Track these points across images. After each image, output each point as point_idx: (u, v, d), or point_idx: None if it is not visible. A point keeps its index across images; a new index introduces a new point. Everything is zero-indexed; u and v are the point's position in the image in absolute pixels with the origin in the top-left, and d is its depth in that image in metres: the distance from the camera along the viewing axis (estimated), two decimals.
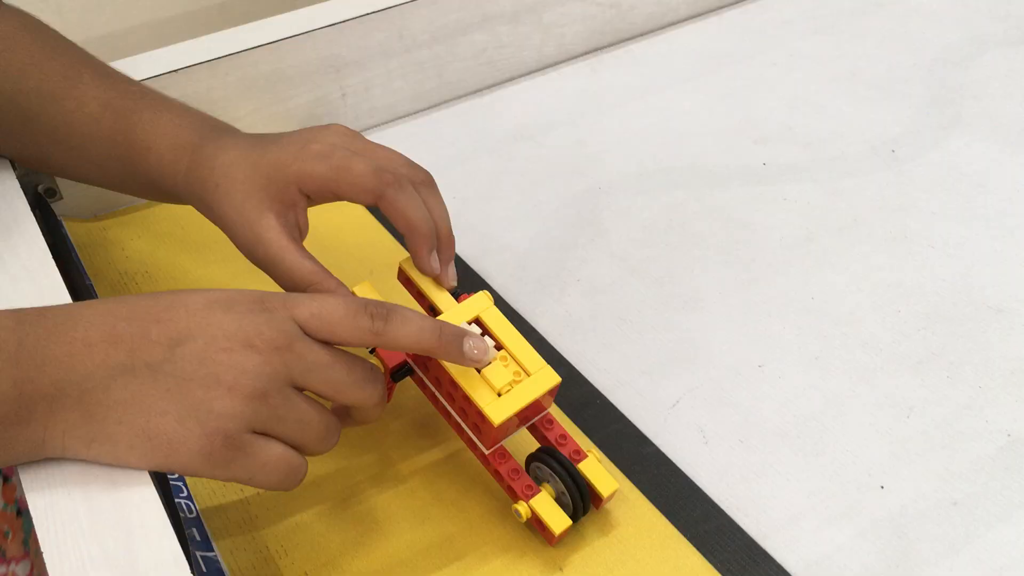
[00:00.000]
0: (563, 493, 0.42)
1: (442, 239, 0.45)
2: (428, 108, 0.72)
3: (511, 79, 0.75)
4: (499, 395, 0.41)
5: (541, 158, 0.68)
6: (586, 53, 0.77)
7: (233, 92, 0.63)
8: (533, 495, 0.42)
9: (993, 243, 0.58)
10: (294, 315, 0.37)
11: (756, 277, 0.57)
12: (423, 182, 0.46)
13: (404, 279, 0.46)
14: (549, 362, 0.52)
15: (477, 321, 0.43)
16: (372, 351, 0.44)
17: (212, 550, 0.43)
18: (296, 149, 0.45)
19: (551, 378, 0.42)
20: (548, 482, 0.43)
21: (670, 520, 0.44)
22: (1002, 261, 0.57)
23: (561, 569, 0.42)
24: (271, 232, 0.44)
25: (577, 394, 0.50)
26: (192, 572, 0.32)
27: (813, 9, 0.82)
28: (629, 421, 0.49)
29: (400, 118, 0.71)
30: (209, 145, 0.47)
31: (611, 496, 0.43)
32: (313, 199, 0.45)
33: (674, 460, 0.47)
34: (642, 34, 0.79)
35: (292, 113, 0.66)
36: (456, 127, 0.71)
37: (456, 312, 0.43)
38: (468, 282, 0.58)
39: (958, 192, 0.63)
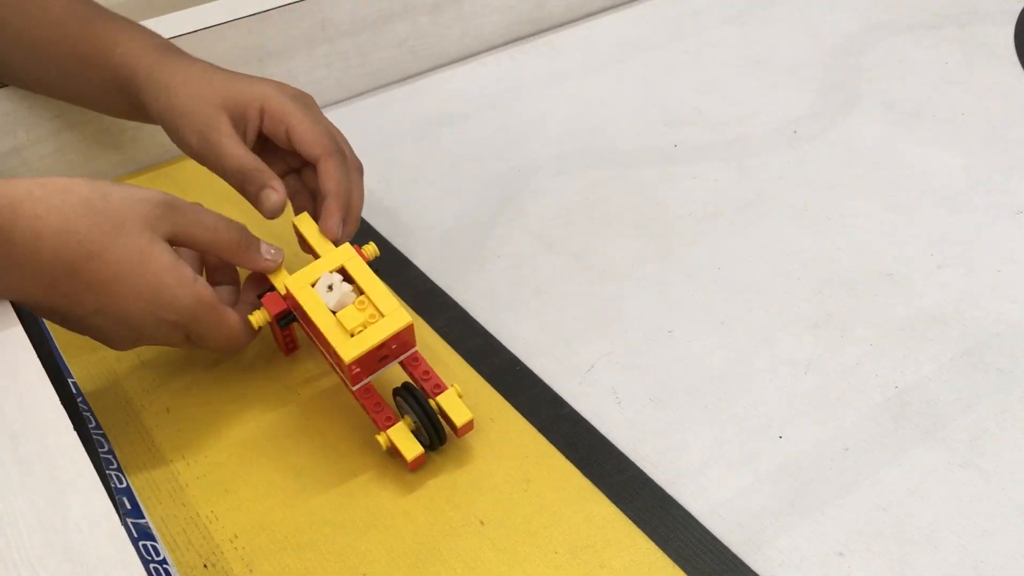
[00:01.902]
0: (419, 426, 0.46)
1: (352, 216, 0.51)
2: (352, 97, 0.74)
3: (433, 68, 0.77)
4: (352, 335, 0.45)
5: (463, 143, 0.70)
6: (506, 43, 0.80)
7: None
8: (391, 425, 0.46)
9: (885, 214, 0.62)
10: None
11: (667, 250, 0.60)
12: (356, 168, 0.53)
13: (298, 233, 0.51)
14: (469, 334, 0.55)
15: (341, 270, 0.48)
16: (259, 298, 0.49)
17: (143, 517, 0.44)
18: (272, 82, 0.52)
19: (401, 319, 0.46)
20: (408, 415, 0.47)
21: (584, 474, 0.46)
22: (893, 231, 0.61)
23: (483, 523, 0.44)
24: (224, 126, 0.50)
25: (497, 362, 0.52)
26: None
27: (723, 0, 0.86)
28: (546, 385, 0.51)
29: (324, 107, 0.72)
30: (178, 53, 0.53)
31: (467, 425, 0.46)
32: (265, 129, 0.51)
33: (588, 420, 0.49)
34: (560, 25, 0.82)
35: None
36: (380, 115, 0.73)
37: (318, 264, 0.48)
38: (391, 259, 0.60)
39: (854, 168, 0.67)
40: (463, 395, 0.47)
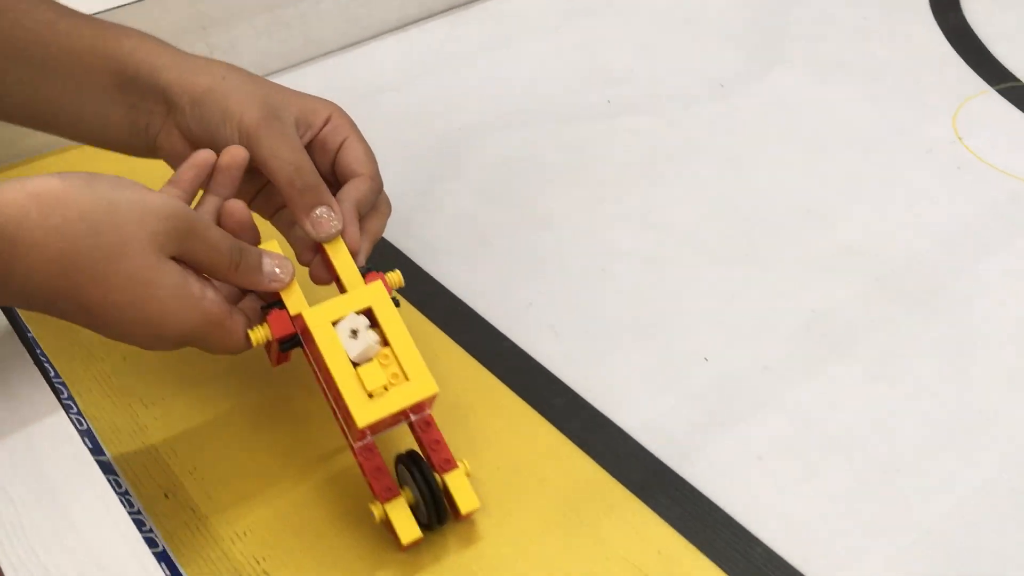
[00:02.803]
0: (418, 505, 0.42)
1: (368, 240, 0.47)
2: (295, 65, 0.76)
3: (375, 36, 0.79)
4: (370, 396, 0.40)
5: (405, 107, 0.72)
6: (445, 11, 0.82)
7: None
8: (390, 498, 0.41)
9: (805, 158, 0.66)
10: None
11: (602, 197, 0.63)
12: (386, 204, 0.48)
13: (319, 249, 0.45)
14: (416, 281, 0.57)
15: (368, 312, 0.42)
16: (266, 312, 0.43)
17: (104, 455, 0.46)
18: (307, 95, 0.48)
19: (428, 387, 0.41)
20: (409, 487, 0.42)
21: (524, 400, 0.50)
22: (812, 173, 0.65)
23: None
24: (290, 119, 0.45)
25: (443, 305, 0.55)
26: None
27: None
28: (488, 323, 0.54)
29: (268, 75, 0.74)
30: (195, 55, 0.47)
31: (471, 513, 0.42)
32: (321, 136, 0.47)
33: (528, 352, 0.52)
34: None
35: None
36: (323, 82, 0.75)
37: (344, 300, 0.43)
38: None
39: (778, 119, 0.70)
40: (471, 473, 0.43)
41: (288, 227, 0.48)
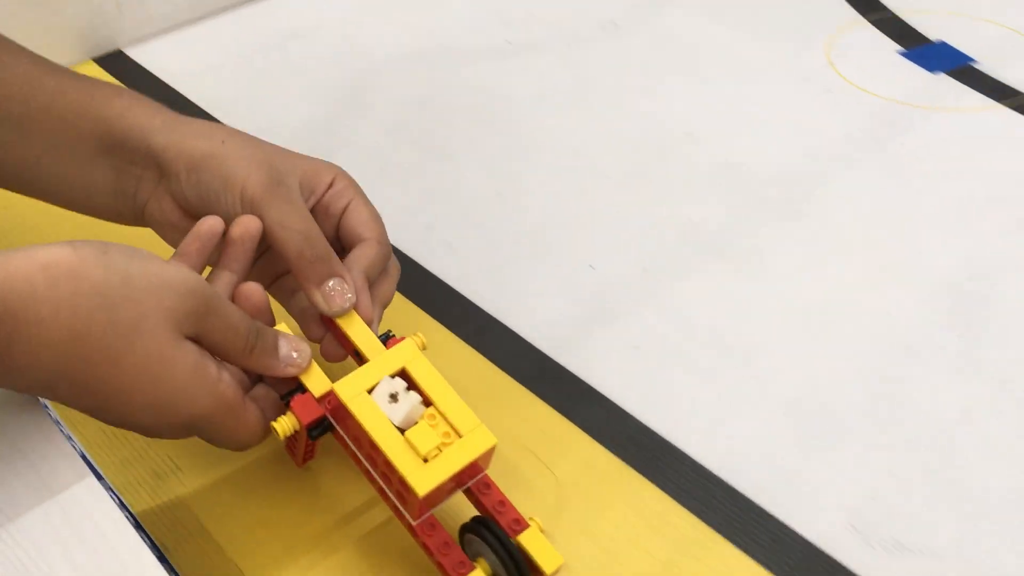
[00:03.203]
0: (500, 571, 0.38)
1: (383, 308, 0.45)
2: (204, 16, 0.78)
3: None
4: (425, 461, 0.37)
5: (313, 53, 0.75)
6: None
7: (5, 4, 0.67)
8: (466, 573, 0.38)
9: (691, 88, 0.71)
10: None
11: (499, 130, 0.67)
12: (396, 268, 0.46)
13: (329, 323, 0.42)
14: None
15: (403, 373, 0.39)
16: (287, 404, 0.40)
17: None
18: (310, 158, 0.45)
19: (486, 439, 0.38)
20: (484, 556, 0.39)
21: (423, 309, 0.54)
22: (697, 103, 0.70)
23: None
24: (295, 185, 0.42)
25: None
26: None
27: None
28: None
29: (178, 26, 0.77)
30: (191, 119, 0.43)
31: (556, 572, 0.39)
32: (325, 200, 0.44)
33: (428, 268, 0.56)
34: None
35: (70, 25, 0.71)
36: (232, 32, 0.77)
37: (375, 365, 0.39)
38: None
39: (669, 55, 0.75)
40: (545, 530, 0.40)
41: (288, 297, 0.45)
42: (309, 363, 0.40)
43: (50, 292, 0.33)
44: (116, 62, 0.73)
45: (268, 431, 0.39)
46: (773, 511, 0.44)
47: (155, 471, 0.45)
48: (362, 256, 0.43)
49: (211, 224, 0.40)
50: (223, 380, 0.37)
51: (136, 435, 0.44)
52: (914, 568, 0.42)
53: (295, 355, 0.39)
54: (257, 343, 0.38)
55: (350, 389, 0.38)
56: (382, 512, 0.43)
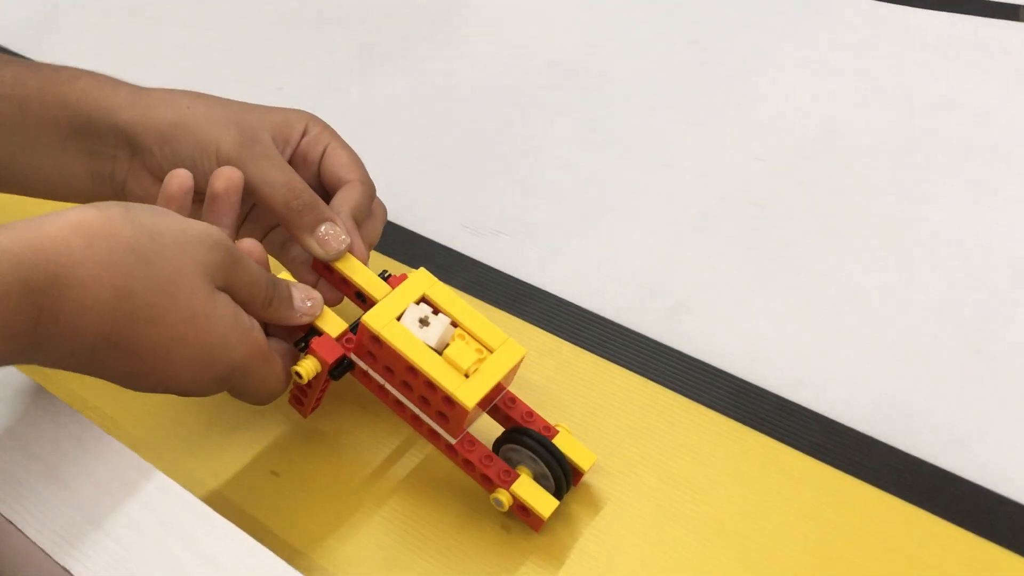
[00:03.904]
0: (543, 475, 0.40)
1: (371, 248, 0.46)
2: None
3: None
4: (466, 376, 0.39)
5: None
6: None
7: None
8: (513, 480, 0.40)
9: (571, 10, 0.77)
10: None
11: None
12: (382, 209, 0.47)
13: (322, 268, 0.44)
14: None
15: (424, 299, 0.41)
16: (303, 348, 0.41)
17: None
18: (278, 108, 0.44)
19: (516, 351, 0.40)
20: (524, 464, 0.41)
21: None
22: (574, 25, 0.76)
23: None
24: (267, 139, 0.42)
25: None
26: None
27: None
28: None
29: None
30: (153, 89, 0.43)
31: (590, 468, 0.41)
32: (301, 148, 0.44)
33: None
34: None
35: None
36: None
37: (397, 295, 0.40)
38: None
39: None
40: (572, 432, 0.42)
41: (279, 248, 0.46)
42: (322, 310, 0.41)
43: (88, 252, 0.33)
44: None
45: (287, 384, 0.41)
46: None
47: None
48: (348, 198, 0.43)
49: (180, 180, 0.40)
50: (255, 327, 0.38)
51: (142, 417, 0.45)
52: None
53: (309, 304, 0.40)
54: (275, 295, 0.39)
55: (380, 319, 0.39)
56: (409, 458, 0.44)
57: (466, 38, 0.75)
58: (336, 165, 0.44)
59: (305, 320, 0.40)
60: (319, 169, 0.45)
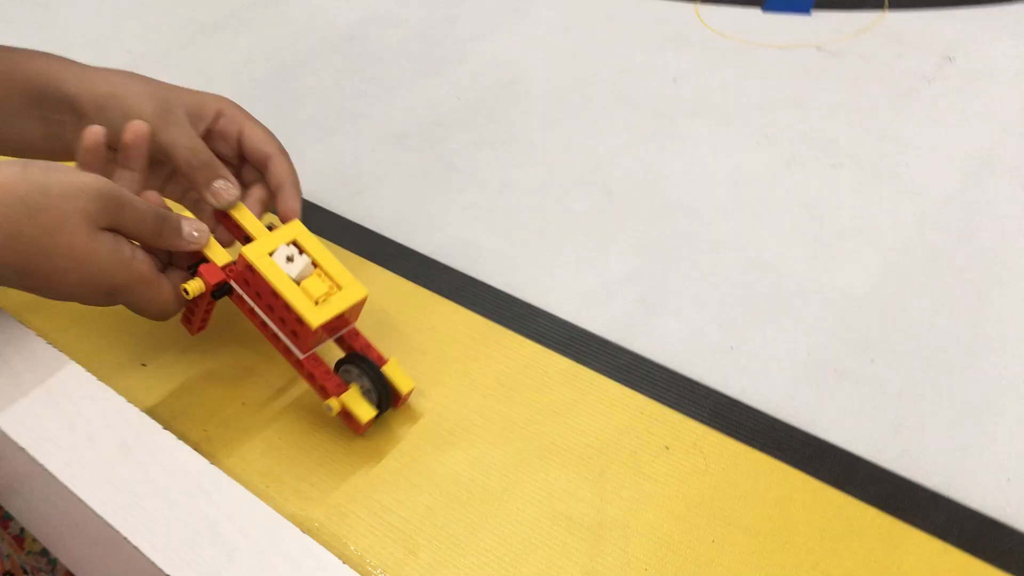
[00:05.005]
0: (369, 390, 0.49)
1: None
2: None
3: None
4: (316, 303, 0.47)
5: None
6: None
7: None
8: (343, 392, 0.48)
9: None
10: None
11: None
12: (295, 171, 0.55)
13: (221, 216, 0.53)
14: None
15: (295, 243, 0.49)
16: (193, 270, 0.49)
17: None
18: (197, 91, 0.53)
19: (359, 291, 0.48)
20: (355, 382, 0.49)
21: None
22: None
23: None
24: (181, 114, 0.51)
25: None
26: None
27: None
28: None
29: None
30: (96, 67, 0.52)
31: (409, 393, 0.50)
32: (218, 129, 0.53)
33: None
34: None
35: None
36: None
37: (273, 237, 0.49)
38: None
39: None
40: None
41: (194, 205, 0.55)
42: (208, 239, 0.49)
43: None
44: None
45: (181, 301, 0.49)
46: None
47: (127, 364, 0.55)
48: (280, 170, 0.53)
49: (93, 135, 0.49)
50: (136, 258, 0.47)
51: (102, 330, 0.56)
52: None
53: (196, 233, 0.49)
54: (164, 227, 0.48)
55: (255, 252, 0.48)
56: (296, 389, 0.53)
57: None
58: (255, 139, 0.53)
59: (193, 247, 0.49)
60: (239, 144, 0.54)
